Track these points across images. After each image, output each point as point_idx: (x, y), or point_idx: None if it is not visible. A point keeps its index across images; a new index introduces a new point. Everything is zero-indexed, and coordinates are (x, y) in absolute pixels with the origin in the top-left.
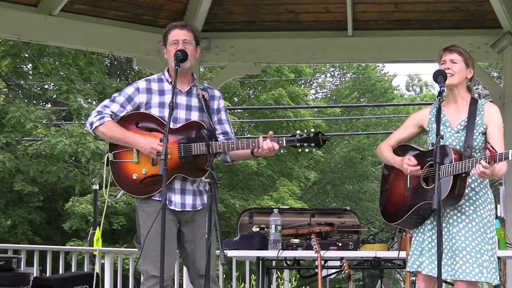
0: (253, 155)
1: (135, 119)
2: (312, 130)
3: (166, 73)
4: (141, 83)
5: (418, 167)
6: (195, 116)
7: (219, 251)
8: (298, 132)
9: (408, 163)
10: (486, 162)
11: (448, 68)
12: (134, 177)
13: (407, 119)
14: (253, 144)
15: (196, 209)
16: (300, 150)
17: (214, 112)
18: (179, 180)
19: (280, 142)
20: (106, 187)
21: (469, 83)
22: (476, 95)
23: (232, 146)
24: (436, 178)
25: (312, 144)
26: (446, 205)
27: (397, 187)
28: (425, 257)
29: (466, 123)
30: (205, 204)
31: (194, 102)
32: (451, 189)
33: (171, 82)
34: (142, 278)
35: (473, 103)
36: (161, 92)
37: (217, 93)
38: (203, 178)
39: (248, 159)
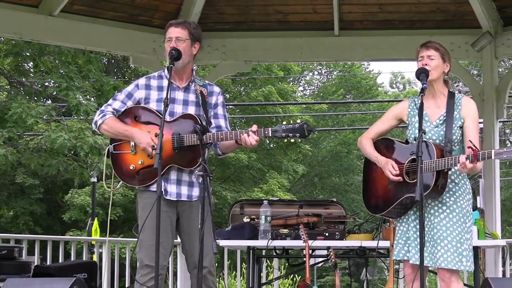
0: (237, 143)
1: (134, 112)
2: (298, 120)
3: (166, 70)
4: (141, 80)
5: (400, 177)
6: (191, 110)
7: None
8: (284, 122)
9: (390, 170)
10: (469, 160)
11: (426, 64)
12: (132, 168)
13: (386, 112)
14: (241, 134)
15: (192, 200)
16: (285, 140)
17: (212, 107)
18: (175, 171)
19: (266, 132)
20: (109, 178)
21: (445, 77)
22: (456, 91)
23: (222, 136)
24: (419, 171)
25: (297, 135)
26: (430, 198)
27: (380, 180)
28: (411, 247)
29: (445, 118)
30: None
31: (192, 97)
32: (434, 183)
33: (169, 78)
34: (137, 266)
35: (451, 97)
36: (160, 88)
37: (216, 89)
38: (196, 171)
39: (235, 149)
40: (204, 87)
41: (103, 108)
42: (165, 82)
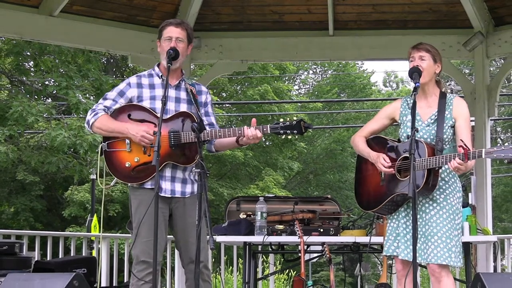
0: (238, 143)
1: (128, 110)
2: (295, 118)
3: (157, 68)
4: (132, 79)
5: (392, 169)
6: (183, 108)
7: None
8: (281, 120)
9: (382, 163)
10: (460, 159)
11: (418, 65)
12: (127, 165)
13: (379, 112)
14: (239, 131)
15: (185, 196)
16: (283, 137)
17: (202, 105)
18: (170, 168)
19: (265, 129)
20: (101, 176)
21: (437, 77)
22: (448, 90)
23: (220, 134)
24: (411, 168)
25: (295, 131)
26: (421, 195)
27: (372, 177)
28: (401, 243)
29: (436, 117)
30: (193, 192)
31: (183, 95)
32: (426, 181)
33: (161, 76)
34: (133, 262)
35: (442, 97)
36: (152, 86)
37: (203, 88)
38: (194, 168)
39: (232, 147)
40: (193, 86)
41: (94, 107)
42: (156, 80)
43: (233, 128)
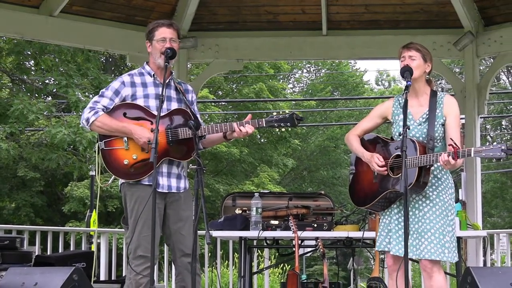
0: (226, 138)
1: (123, 109)
2: (287, 111)
3: (147, 67)
4: (125, 77)
5: (385, 168)
6: (174, 106)
7: (202, 231)
8: (274, 113)
9: (376, 163)
10: (450, 157)
11: (408, 64)
12: (125, 163)
13: (372, 110)
14: (234, 126)
15: (180, 192)
16: (277, 129)
17: (189, 103)
18: (166, 164)
19: (260, 123)
20: (101, 173)
21: (427, 76)
22: (439, 89)
23: (217, 128)
24: (403, 164)
25: (288, 124)
26: (413, 192)
27: (365, 174)
28: (392, 239)
29: (427, 116)
30: (186, 187)
31: (173, 93)
32: (417, 178)
33: (153, 75)
34: (130, 256)
35: (433, 96)
36: (144, 85)
37: (189, 87)
38: (191, 164)
39: (220, 142)
40: (179, 84)
41: (91, 105)
42: (147, 79)
43: (229, 123)
